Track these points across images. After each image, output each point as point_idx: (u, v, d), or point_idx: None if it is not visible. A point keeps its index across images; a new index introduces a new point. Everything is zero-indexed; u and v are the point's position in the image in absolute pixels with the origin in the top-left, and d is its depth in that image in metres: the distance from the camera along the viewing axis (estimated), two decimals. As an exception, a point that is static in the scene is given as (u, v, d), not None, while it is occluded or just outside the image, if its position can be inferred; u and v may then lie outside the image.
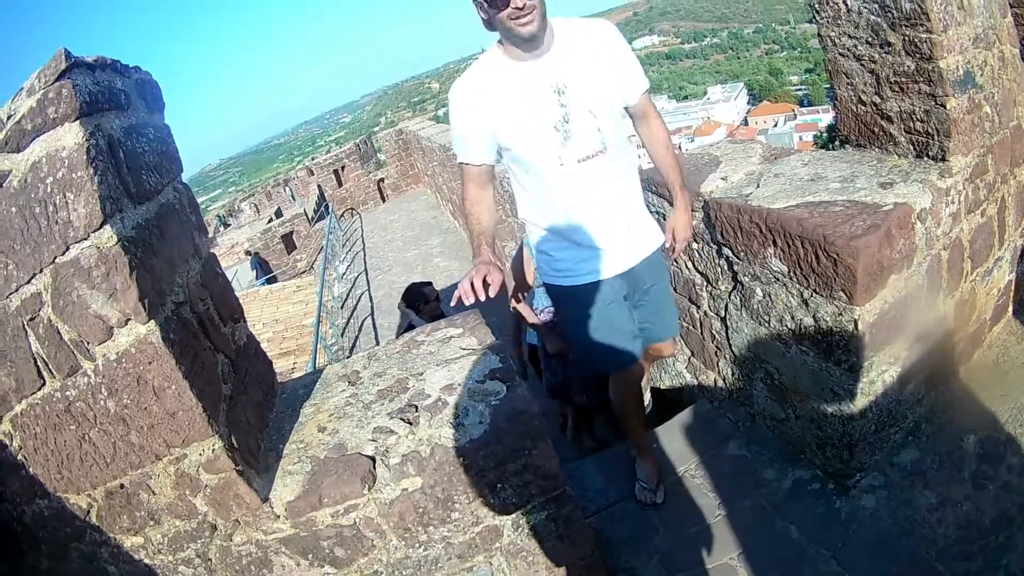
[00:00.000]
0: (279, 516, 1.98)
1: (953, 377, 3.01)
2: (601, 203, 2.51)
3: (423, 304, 5.30)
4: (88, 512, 1.96)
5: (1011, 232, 3.04)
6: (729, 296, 3.13)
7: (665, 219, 2.94)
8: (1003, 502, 2.46)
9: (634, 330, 2.85)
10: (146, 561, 2.06)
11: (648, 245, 2.73)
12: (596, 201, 2.49)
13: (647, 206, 2.86)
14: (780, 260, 2.66)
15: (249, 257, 21.41)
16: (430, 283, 5.59)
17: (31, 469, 1.89)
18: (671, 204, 2.82)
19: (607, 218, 2.54)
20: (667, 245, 2.81)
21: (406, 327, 5.36)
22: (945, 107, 2.55)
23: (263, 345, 2.47)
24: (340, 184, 24.37)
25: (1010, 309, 3.27)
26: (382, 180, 24.10)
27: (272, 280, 18.61)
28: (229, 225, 31.86)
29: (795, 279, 2.61)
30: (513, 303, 3.94)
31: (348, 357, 2.74)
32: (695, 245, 3.27)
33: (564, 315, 3.01)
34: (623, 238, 2.61)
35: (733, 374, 3.38)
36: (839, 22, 2.76)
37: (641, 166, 3.10)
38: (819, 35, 2.91)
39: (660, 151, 2.71)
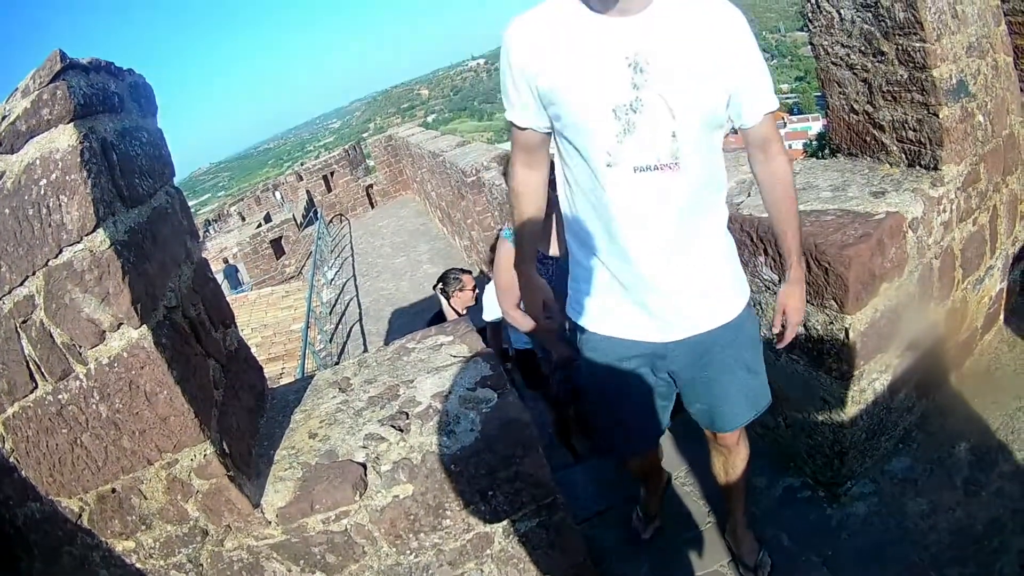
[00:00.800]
0: (270, 522, 1.97)
1: (944, 385, 3.03)
2: (656, 238, 1.80)
3: (457, 291, 5.16)
4: (80, 516, 1.95)
5: (1003, 240, 3.06)
6: (721, 304, 3.13)
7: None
8: (995, 508, 2.48)
9: (661, 421, 2.24)
10: (138, 565, 2.05)
11: (720, 313, 1.98)
12: (649, 233, 1.80)
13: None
14: (771, 269, 2.66)
15: (225, 265, 21.31)
16: (469, 271, 5.37)
17: (23, 472, 1.88)
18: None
19: (661, 262, 1.84)
20: (774, 330, 2.17)
21: (433, 316, 5.24)
22: (938, 116, 2.56)
23: (252, 350, 2.47)
24: (329, 190, 24.47)
25: (1001, 317, 3.29)
26: (371, 186, 24.21)
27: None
28: (218, 231, 31.82)
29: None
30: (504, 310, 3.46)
31: (336, 363, 2.72)
32: None
33: (583, 367, 2.20)
34: (680, 297, 1.90)
35: (725, 381, 3.37)
36: (832, 31, 2.77)
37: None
38: (811, 44, 2.91)
39: (778, 197, 2.00)
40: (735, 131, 1.91)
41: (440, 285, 5.21)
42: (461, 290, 5.07)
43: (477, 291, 5.11)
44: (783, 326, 2.13)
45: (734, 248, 2.04)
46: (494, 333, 4.44)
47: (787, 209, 2.00)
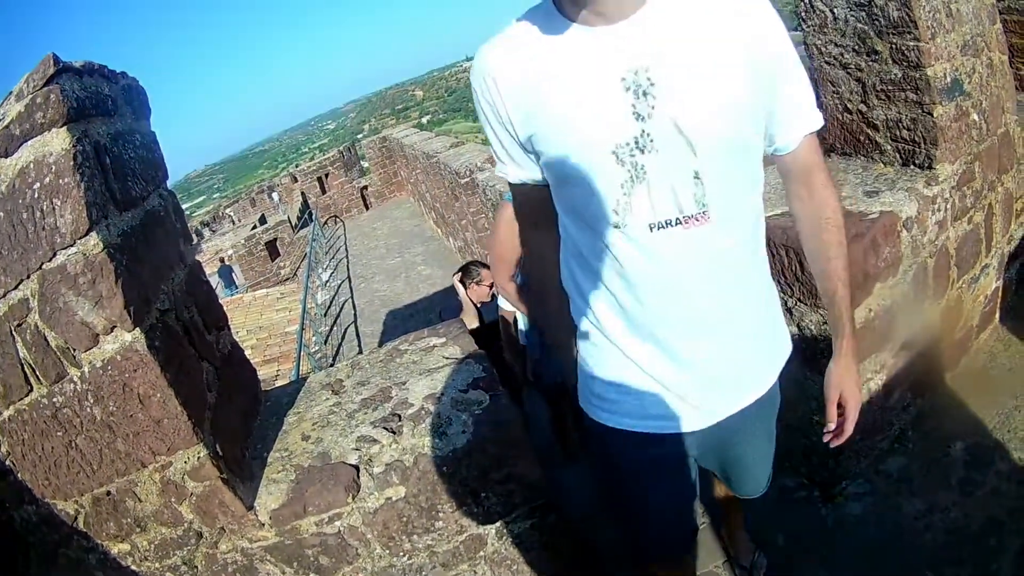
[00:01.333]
0: (264, 524, 1.98)
1: (940, 384, 3.02)
2: (683, 312, 1.37)
3: (474, 284, 5.12)
4: (75, 518, 1.96)
5: (998, 239, 3.05)
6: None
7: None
8: (992, 507, 2.48)
9: (697, 507, 1.81)
10: (133, 567, 2.06)
11: (763, 386, 1.56)
12: (674, 307, 1.36)
13: None
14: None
15: (220, 266, 21.40)
16: (488, 265, 5.41)
17: (19, 475, 1.89)
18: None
19: (691, 343, 1.41)
20: (828, 426, 1.69)
21: (440, 310, 5.22)
22: (932, 115, 2.56)
23: (247, 352, 2.47)
24: (324, 191, 24.70)
25: (997, 316, 3.28)
26: (365, 188, 24.38)
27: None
28: (214, 232, 31.92)
29: (779, 288, 2.61)
30: (497, 282, 3.13)
31: (331, 364, 2.72)
32: None
33: (600, 464, 1.77)
34: (717, 381, 1.47)
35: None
36: (825, 30, 2.77)
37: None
38: (804, 43, 2.90)
39: (826, 244, 1.53)
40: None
41: (460, 274, 5.24)
42: (478, 283, 5.09)
43: (494, 289, 5.12)
44: (841, 417, 1.66)
45: (778, 301, 1.63)
46: (506, 325, 4.33)
47: (838, 260, 1.53)
